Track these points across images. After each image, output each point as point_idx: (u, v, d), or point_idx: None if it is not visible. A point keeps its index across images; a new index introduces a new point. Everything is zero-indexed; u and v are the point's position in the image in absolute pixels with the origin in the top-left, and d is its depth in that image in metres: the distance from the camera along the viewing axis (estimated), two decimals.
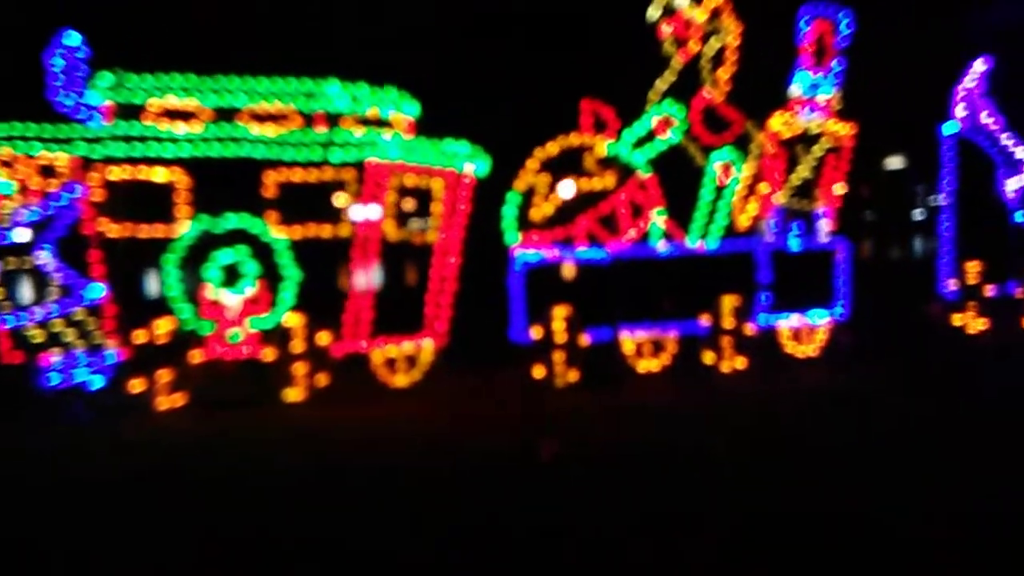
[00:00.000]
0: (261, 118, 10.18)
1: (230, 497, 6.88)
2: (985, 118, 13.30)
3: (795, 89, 12.11)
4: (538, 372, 11.02)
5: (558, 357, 11.07)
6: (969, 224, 13.32)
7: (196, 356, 10.18)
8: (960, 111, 13.16)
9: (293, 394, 10.33)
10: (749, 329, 11.89)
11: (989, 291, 13.27)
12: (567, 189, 11.15)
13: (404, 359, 10.99)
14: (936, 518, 5.95)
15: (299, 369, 10.35)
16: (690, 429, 8.79)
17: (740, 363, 11.80)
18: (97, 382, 10.03)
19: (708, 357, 11.79)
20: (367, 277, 10.56)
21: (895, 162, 12.81)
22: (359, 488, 7.04)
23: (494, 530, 5.92)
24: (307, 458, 8.06)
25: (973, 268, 13.26)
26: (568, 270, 11.42)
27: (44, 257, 9.81)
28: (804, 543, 5.55)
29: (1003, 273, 13.45)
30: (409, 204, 10.91)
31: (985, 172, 13.42)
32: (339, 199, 10.51)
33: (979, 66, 13.22)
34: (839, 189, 12.35)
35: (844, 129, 12.34)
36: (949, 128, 13.12)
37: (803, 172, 12.28)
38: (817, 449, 7.83)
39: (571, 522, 6.05)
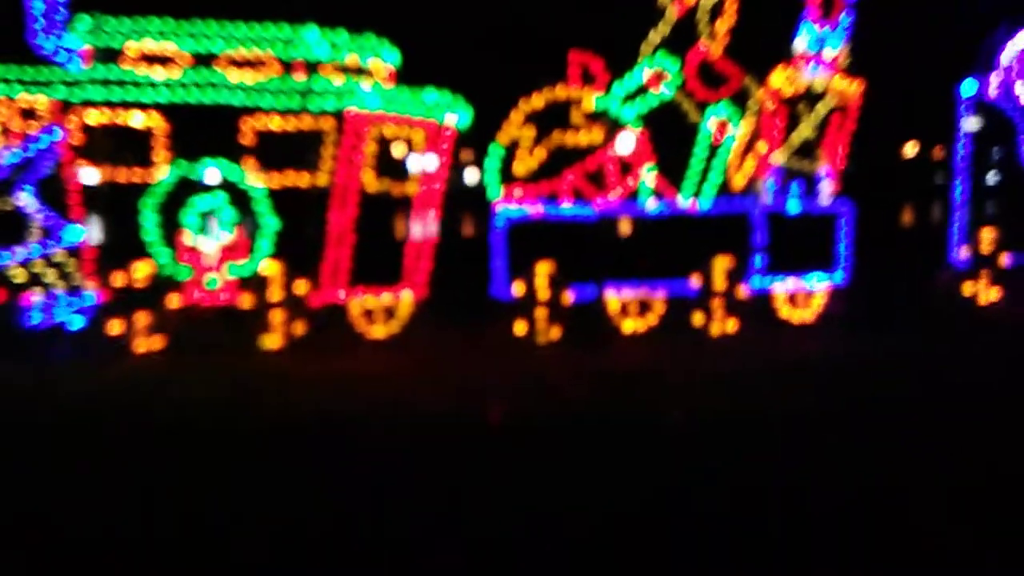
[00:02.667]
0: (239, 64, 10.42)
1: (194, 443, 7.19)
2: (1019, 89, 12.94)
3: (799, 43, 11.92)
4: (519, 329, 11.20)
5: (540, 314, 11.23)
6: (985, 189, 13.03)
7: (174, 301, 10.55)
8: (994, 84, 12.81)
9: (269, 342, 10.68)
10: (742, 292, 11.88)
11: (1005, 260, 13.00)
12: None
13: (382, 311, 11.24)
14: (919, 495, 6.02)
15: (276, 317, 10.68)
16: (668, 395, 8.90)
17: (731, 326, 11.84)
18: (77, 323, 10.48)
19: (697, 319, 11.82)
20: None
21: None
22: (322, 438, 7.32)
23: (448, 493, 6.07)
24: (275, 406, 8.44)
25: (988, 235, 12.99)
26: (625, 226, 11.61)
27: (25, 199, 10.23)
28: (782, 518, 5.65)
29: (1021, 241, 13.18)
30: (397, 152, 11.07)
31: (1004, 135, 13.09)
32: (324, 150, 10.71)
33: (1021, 41, 12.82)
34: (843, 149, 12.18)
35: (851, 87, 12.13)
36: (967, 89, 12.79)
37: (805, 131, 12.13)
38: (793, 421, 7.87)
39: (532, 484, 6.19)
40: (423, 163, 11.06)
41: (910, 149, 12.00)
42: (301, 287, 10.72)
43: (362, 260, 10.94)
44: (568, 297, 11.36)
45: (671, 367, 10.30)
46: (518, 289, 11.22)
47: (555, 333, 11.27)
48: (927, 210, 13.71)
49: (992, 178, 13.02)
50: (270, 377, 9.59)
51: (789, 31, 11.93)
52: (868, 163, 12.75)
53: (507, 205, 11.23)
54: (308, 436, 7.44)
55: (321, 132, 10.62)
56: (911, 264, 13.91)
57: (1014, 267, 13.03)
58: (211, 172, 10.39)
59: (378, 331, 11.24)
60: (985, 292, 13.07)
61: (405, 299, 11.30)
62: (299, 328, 10.80)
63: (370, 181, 10.87)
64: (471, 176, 11.10)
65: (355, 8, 11.35)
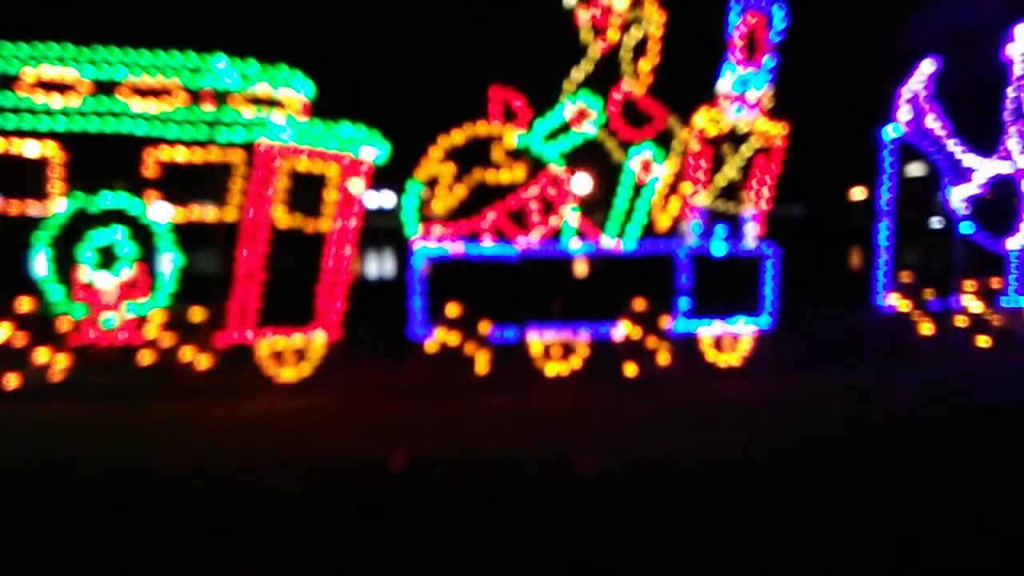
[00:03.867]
0: (143, 93, 10.07)
1: (78, 489, 6.80)
2: (931, 122, 13.16)
3: (723, 84, 11.97)
4: (438, 370, 10.91)
5: (459, 356, 10.96)
6: (910, 233, 13.16)
7: (68, 340, 10.05)
8: (904, 114, 13.00)
9: (171, 384, 10.20)
10: (666, 335, 11.74)
11: (929, 302, 13.10)
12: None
13: (292, 352, 10.86)
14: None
15: (178, 358, 10.22)
16: (586, 437, 8.76)
17: (655, 369, 11.67)
18: None
19: (621, 362, 11.65)
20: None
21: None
22: (221, 485, 7.00)
23: (355, 540, 5.84)
24: (165, 451, 8.02)
25: (913, 277, 13.08)
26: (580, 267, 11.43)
27: None
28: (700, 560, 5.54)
29: (946, 285, 13.32)
30: (310, 188, 10.79)
31: (928, 179, 13.29)
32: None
33: (926, 67, 13.07)
34: (767, 191, 12.21)
35: (775, 128, 12.20)
36: (889, 132, 12.96)
37: (730, 173, 12.14)
38: (715, 461, 7.82)
39: (446, 529, 5.98)
40: (338, 199, 10.78)
41: (851, 193, 12.06)
42: (206, 327, 10.31)
43: (272, 299, 10.57)
44: (488, 338, 11.14)
45: (592, 409, 10.17)
46: (437, 330, 10.97)
47: (475, 375, 11.02)
48: (853, 253, 13.81)
49: (917, 220, 13.17)
50: (168, 420, 9.18)
51: (713, 72, 12.00)
52: (793, 205, 12.75)
53: (426, 243, 11.00)
54: (205, 483, 7.05)
55: (230, 165, 10.30)
56: (837, 307, 13.98)
57: (938, 309, 13.14)
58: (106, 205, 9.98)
59: (288, 373, 10.84)
60: (911, 333, 13.14)
61: (317, 340, 10.94)
62: (202, 370, 10.36)
63: (281, 216, 10.56)
64: (389, 213, 10.83)
65: (269, 39, 11.08)
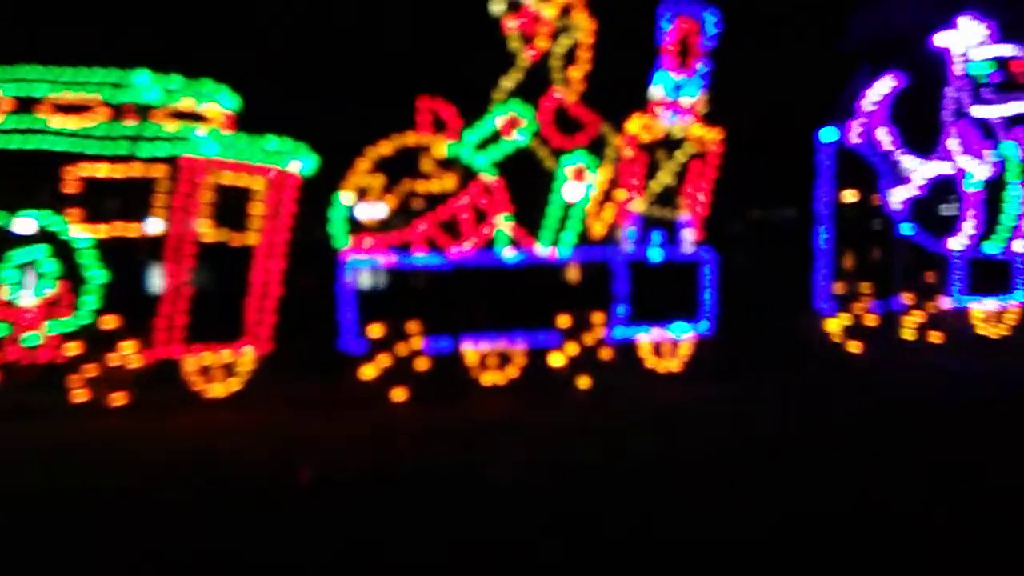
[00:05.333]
0: (64, 109, 10.13)
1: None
2: (881, 135, 13.36)
3: (656, 91, 12.12)
4: (370, 383, 10.99)
5: (392, 368, 11.05)
6: (849, 236, 13.34)
7: None
8: (855, 129, 13.19)
9: (95, 402, 10.25)
10: (605, 342, 11.87)
11: (868, 307, 13.28)
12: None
13: (221, 367, 10.93)
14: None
15: (102, 376, 10.27)
16: (524, 448, 8.88)
17: (593, 377, 11.79)
18: None
19: (559, 371, 11.76)
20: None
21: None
22: (143, 502, 7.12)
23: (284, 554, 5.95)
24: (96, 468, 8.09)
25: (851, 282, 13.26)
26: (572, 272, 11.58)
27: None
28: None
29: (886, 287, 13.50)
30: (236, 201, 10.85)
31: (867, 182, 13.48)
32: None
33: (884, 84, 13.26)
34: (703, 197, 12.36)
35: (710, 134, 12.36)
36: (827, 135, 13.14)
37: (665, 179, 12.30)
38: (653, 468, 8.01)
39: (376, 543, 6.10)
40: (265, 212, 10.87)
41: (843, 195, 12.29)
42: (132, 344, 10.36)
43: (199, 314, 10.64)
44: (422, 349, 11.24)
45: (528, 419, 10.29)
46: (368, 341, 11.06)
47: (408, 387, 11.12)
48: (791, 257, 14.00)
49: (856, 225, 13.35)
50: (91, 438, 9.21)
51: (646, 78, 12.14)
52: (730, 211, 12.92)
53: (356, 255, 11.09)
54: (129, 500, 7.17)
55: (153, 180, 10.37)
56: (776, 311, 14.15)
57: (878, 313, 13.32)
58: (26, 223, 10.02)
59: (217, 389, 10.91)
60: (849, 338, 13.31)
61: (246, 355, 11.02)
62: (129, 387, 10.40)
63: (207, 231, 10.64)
64: (318, 225, 10.93)
65: (193, 54, 11.16)
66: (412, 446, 9.08)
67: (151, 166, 10.32)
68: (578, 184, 11.79)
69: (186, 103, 10.45)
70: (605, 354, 11.85)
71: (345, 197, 10.89)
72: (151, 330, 10.48)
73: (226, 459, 8.57)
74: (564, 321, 11.75)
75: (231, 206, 10.75)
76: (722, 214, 12.45)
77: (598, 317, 11.89)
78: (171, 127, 10.36)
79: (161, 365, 10.69)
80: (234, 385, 10.99)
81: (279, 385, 11.35)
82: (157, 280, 10.50)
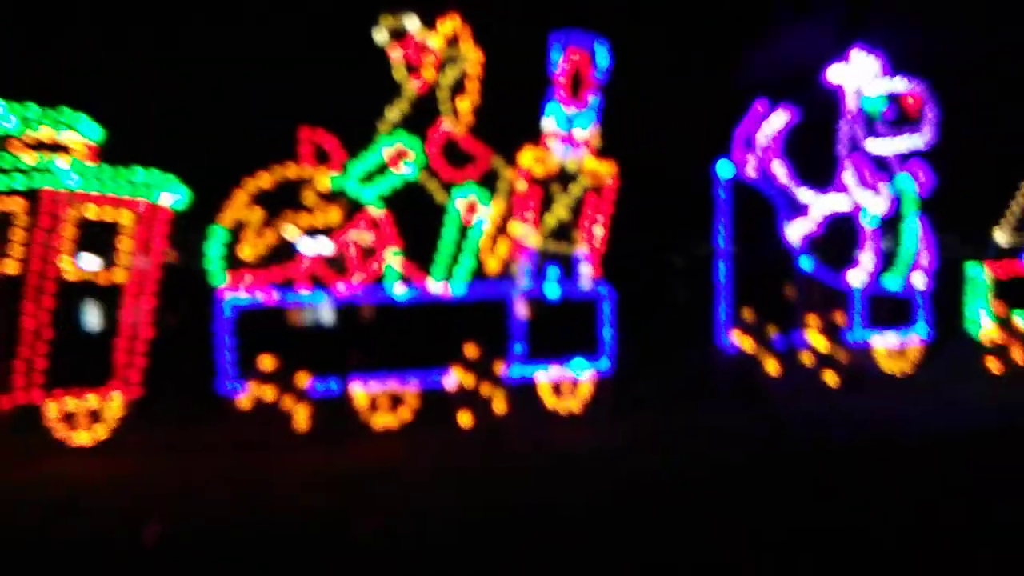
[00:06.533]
0: None
1: None
2: (776, 168, 13.45)
3: (548, 123, 12.00)
4: (249, 429, 10.46)
5: (274, 411, 10.55)
6: (749, 271, 13.31)
7: None
8: (751, 163, 13.25)
9: None
10: (501, 381, 11.55)
11: (771, 340, 13.22)
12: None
13: (86, 413, 10.30)
14: None
15: None
16: (403, 495, 8.52)
17: (490, 417, 11.45)
18: None
19: (453, 411, 11.39)
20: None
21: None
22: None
23: None
24: None
25: (753, 316, 13.19)
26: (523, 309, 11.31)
27: None
28: None
29: (787, 322, 13.48)
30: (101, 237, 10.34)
31: (764, 216, 13.51)
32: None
33: (779, 118, 13.37)
34: (600, 231, 12.22)
35: (604, 168, 12.26)
36: (724, 170, 13.17)
37: (560, 212, 12.13)
38: (548, 513, 7.75)
39: None
40: (132, 248, 10.37)
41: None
42: None
43: (62, 357, 10.03)
44: (307, 391, 10.77)
45: (418, 463, 9.89)
46: (248, 385, 10.56)
47: (292, 431, 10.62)
48: (692, 292, 13.94)
49: (755, 259, 13.33)
50: None
51: (537, 110, 12.03)
52: (628, 245, 12.81)
53: (234, 292, 10.62)
54: None
55: (9, 214, 9.82)
56: (678, 348, 14.02)
57: (781, 347, 13.26)
58: None
59: (82, 436, 10.27)
60: (754, 371, 13.21)
61: (114, 400, 10.41)
62: None
63: (69, 268, 10.09)
64: (193, 261, 10.46)
65: (55, 82, 10.70)
66: (287, 494, 8.61)
67: (7, 199, 9.80)
68: (471, 217, 11.57)
69: (45, 132, 9.96)
70: (501, 394, 11.55)
71: (220, 231, 10.47)
72: (9, 374, 9.85)
73: (88, 510, 8.01)
74: (459, 360, 11.45)
75: (96, 241, 10.25)
76: (619, 249, 12.26)
77: (494, 355, 11.62)
78: (29, 158, 9.86)
79: (21, 411, 10.06)
80: (101, 432, 10.37)
81: (151, 432, 10.74)
82: (15, 321, 9.90)
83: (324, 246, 10.88)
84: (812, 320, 13.55)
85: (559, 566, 6.45)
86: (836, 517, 7.44)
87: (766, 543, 6.81)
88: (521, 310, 11.83)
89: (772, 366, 13.09)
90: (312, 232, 10.91)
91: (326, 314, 11.11)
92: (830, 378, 13.48)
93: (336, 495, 8.56)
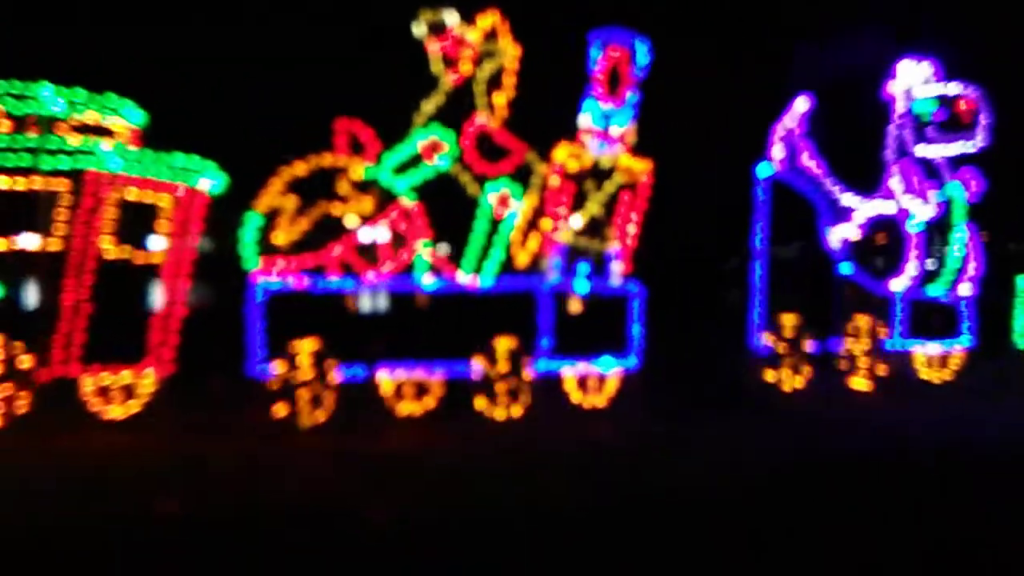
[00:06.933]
0: None
1: None
2: (806, 160, 13.30)
3: (584, 119, 12.07)
4: (279, 411, 10.79)
5: (302, 395, 10.86)
6: (787, 274, 13.22)
7: None
8: (778, 152, 13.14)
9: None
10: (527, 375, 11.70)
11: (807, 346, 13.12)
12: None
13: (120, 388, 10.74)
14: None
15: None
16: (419, 485, 8.60)
17: (516, 411, 11.61)
18: None
19: (479, 403, 11.57)
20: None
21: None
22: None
23: None
24: None
25: (790, 321, 13.11)
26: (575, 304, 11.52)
27: None
28: None
29: (825, 328, 13.36)
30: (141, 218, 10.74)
31: (805, 219, 13.39)
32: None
33: (800, 105, 13.24)
34: (633, 229, 12.25)
35: (639, 165, 12.29)
36: (764, 170, 13.09)
37: (593, 209, 12.20)
38: (566, 511, 7.74)
39: None
40: (171, 230, 10.76)
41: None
42: (27, 361, 10.17)
43: (100, 333, 10.48)
44: (335, 377, 11.05)
45: (440, 453, 10.06)
46: (278, 367, 10.88)
47: (319, 416, 10.92)
48: (726, 293, 13.87)
49: (793, 261, 13.24)
50: None
51: (574, 107, 12.10)
52: (662, 243, 12.81)
53: (266, 277, 10.94)
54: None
55: (55, 194, 10.27)
56: (709, 349, 13.98)
57: (816, 353, 13.16)
58: None
59: (115, 411, 10.71)
60: (787, 379, 13.13)
61: (148, 376, 10.83)
62: (23, 406, 10.20)
63: (110, 248, 10.52)
64: (228, 244, 10.80)
65: (102, 69, 11.11)
66: (305, 478, 8.85)
67: (53, 179, 10.26)
68: (502, 211, 11.72)
69: (90, 116, 10.40)
70: (526, 387, 11.70)
71: (255, 217, 10.79)
72: (48, 347, 10.33)
73: (114, 484, 8.32)
74: (485, 352, 11.62)
75: (136, 223, 10.66)
76: (655, 247, 12.28)
77: (521, 349, 11.76)
78: (74, 141, 10.30)
79: (58, 384, 10.53)
80: (133, 407, 10.82)
81: (182, 410, 11.15)
82: (57, 296, 10.36)
83: (377, 233, 11.13)
84: (851, 327, 13.43)
85: (565, 562, 6.50)
86: (850, 528, 7.34)
87: (767, 557, 6.76)
88: (574, 305, 11.94)
89: (804, 372, 13.03)
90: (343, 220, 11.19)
91: (381, 300, 11.35)
92: (860, 385, 13.34)
93: (355, 481, 8.74)
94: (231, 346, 11.09)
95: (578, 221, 12.11)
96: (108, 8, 13.21)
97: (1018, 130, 14.37)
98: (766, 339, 13.11)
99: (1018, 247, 15.60)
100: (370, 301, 11.35)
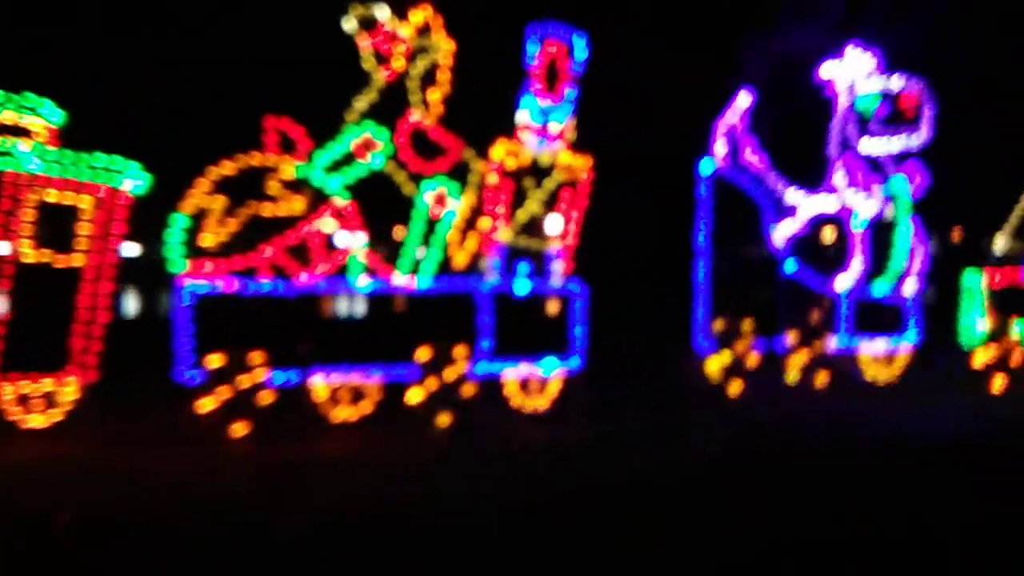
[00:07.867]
0: None
1: None
2: (749, 156, 13.30)
3: (522, 116, 11.97)
4: (206, 417, 10.58)
5: (230, 401, 10.66)
6: (730, 273, 13.21)
7: None
8: (720, 147, 13.12)
9: None
10: (466, 377, 11.58)
11: (750, 344, 13.12)
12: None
13: (42, 397, 10.47)
14: None
15: None
16: (352, 491, 8.49)
17: (453, 414, 11.49)
18: None
19: (416, 406, 11.43)
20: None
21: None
22: None
23: None
24: None
25: (732, 319, 13.10)
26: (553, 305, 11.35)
27: None
28: None
29: (769, 326, 13.36)
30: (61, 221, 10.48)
31: (748, 216, 13.39)
32: None
33: (743, 100, 13.23)
34: (574, 227, 12.18)
35: (579, 162, 12.21)
36: (706, 167, 13.07)
37: (532, 207, 12.11)
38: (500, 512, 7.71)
39: None
40: (92, 232, 10.51)
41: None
42: None
43: (18, 341, 10.21)
44: (265, 382, 10.86)
45: (374, 458, 9.92)
46: (205, 372, 10.67)
47: (247, 423, 10.72)
48: (668, 292, 13.85)
49: (736, 259, 13.23)
50: None
51: (511, 103, 12.00)
52: (603, 242, 12.75)
53: (193, 280, 10.73)
54: None
55: None
56: (651, 348, 13.96)
57: (760, 352, 13.16)
58: None
59: (36, 420, 10.45)
60: (730, 378, 13.12)
61: (70, 384, 10.58)
62: None
63: (28, 251, 10.25)
64: (153, 247, 10.58)
65: (19, 67, 10.85)
66: (225, 485, 8.69)
67: None
68: (439, 210, 11.59)
69: (7, 116, 10.12)
70: (466, 391, 11.57)
71: (181, 219, 10.57)
72: None
73: (34, 494, 8.13)
74: (423, 355, 11.49)
75: (55, 225, 10.40)
76: (596, 246, 12.22)
77: (460, 351, 11.64)
78: None
79: None
80: (55, 416, 10.56)
81: (105, 418, 10.89)
82: None
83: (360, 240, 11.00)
84: (796, 324, 13.45)
85: (497, 559, 6.45)
86: (795, 523, 7.39)
87: (723, 547, 6.78)
88: (551, 307, 11.85)
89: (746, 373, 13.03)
90: (273, 221, 11.00)
91: (357, 304, 11.23)
92: (806, 382, 13.36)
93: (277, 487, 8.57)
94: (158, 351, 10.90)
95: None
96: (25, 5, 12.93)
97: (962, 122, 14.45)
98: (710, 337, 13.08)
99: (964, 242, 15.67)
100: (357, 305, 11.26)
